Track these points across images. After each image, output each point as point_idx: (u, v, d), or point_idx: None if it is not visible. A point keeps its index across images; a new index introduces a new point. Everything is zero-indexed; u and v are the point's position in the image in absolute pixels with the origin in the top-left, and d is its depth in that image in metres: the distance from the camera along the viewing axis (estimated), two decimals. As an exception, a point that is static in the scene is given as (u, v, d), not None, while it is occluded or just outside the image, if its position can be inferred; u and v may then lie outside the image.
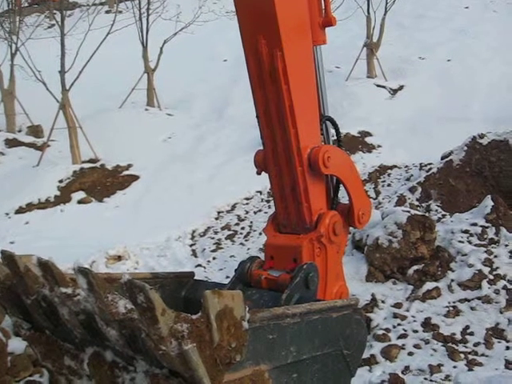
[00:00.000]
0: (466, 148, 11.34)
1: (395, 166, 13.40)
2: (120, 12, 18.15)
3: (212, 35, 23.15)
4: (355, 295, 6.23)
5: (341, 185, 3.45)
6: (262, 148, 3.35)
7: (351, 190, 3.40)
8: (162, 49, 18.76)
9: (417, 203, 10.44)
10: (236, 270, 3.26)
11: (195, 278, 3.45)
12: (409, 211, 7.62)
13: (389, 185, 12.35)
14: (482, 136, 11.51)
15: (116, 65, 19.75)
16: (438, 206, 10.52)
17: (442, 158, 11.58)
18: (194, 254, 10.69)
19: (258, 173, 3.40)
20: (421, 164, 12.92)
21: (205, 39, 22.59)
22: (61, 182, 13.77)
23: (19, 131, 17.16)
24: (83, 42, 14.83)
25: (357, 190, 3.46)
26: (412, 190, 10.84)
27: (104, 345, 2.55)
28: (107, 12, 24.42)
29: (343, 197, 3.64)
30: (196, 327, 2.11)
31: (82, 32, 15.28)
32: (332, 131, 3.58)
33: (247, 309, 2.29)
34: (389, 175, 13.00)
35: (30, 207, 12.81)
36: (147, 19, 18.72)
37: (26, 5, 24.47)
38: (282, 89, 2.97)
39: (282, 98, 2.98)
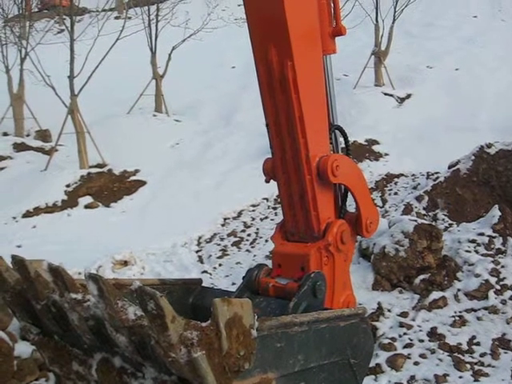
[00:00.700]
0: (473, 157, 11.32)
1: (402, 175, 13.38)
2: (129, 18, 18.28)
3: (220, 42, 23.24)
4: (362, 304, 6.22)
5: (348, 193, 3.46)
6: (269, 156, 3.37)
7: (359, 199, 3.41)
8: (170, 55, 18.84)
9: (423, 212, 10.42)
10: (244, 278, 3.27)
11: (203, 285, 3.46)
12: (416, 220, 7.61)
13: (395, 193, 12.34)
14: (489, 145, 11.49)
15: (124, 71, 19.84)
16: (445, 215, 10.50)
17: (449, 167, 11.56)
18: (200, 260, 10.70)
19: (267, 181, 3.41)
20: (428, 173, 12.91)
21: (213, 46, 22.67)
22: (68, 186, 13.81)
23: (27, 135, 17.25)
24: (92, 47, 14.90)
25: (365, 199, 3.47)
26: (419, 198, 10.82)
27: (113, 351, 2.56)
28: (116, 18, 24.51)
29: (350, 205, 3.66)
30: (205, 335, 2.12)
31: (91, 38, 15.35)
32: (340, 139, 3.59)
33: (256, 317, 2.30)
34: (396, 184, 12.98)
35: (37, 211, 12.86)
36: (156, 25, 18.81)
37: (36, 10, 24.57)
38: (291, 98, 2.98)
39: (292, 107, 3.00)
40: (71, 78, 14.65)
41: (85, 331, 2.56)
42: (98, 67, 14.95)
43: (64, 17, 17.31)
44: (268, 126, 3.21)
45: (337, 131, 3.52)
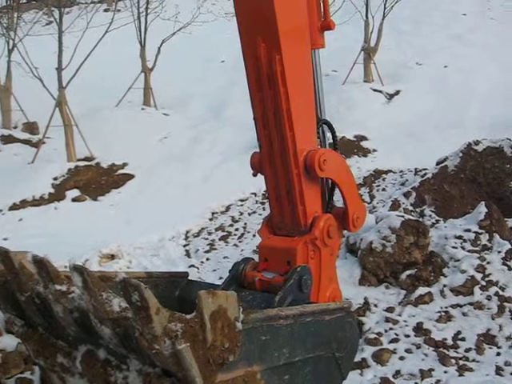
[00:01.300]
0: (461, 154, 11.36)
1: (390, 171, 13.42)
2: (118, 11, 18.19)
3: (210, 36, 23.16)
4: (348, 299, 6.24)
5: (336, 188, 3.46)
6: (257, 150, 3.36)
7: (346, 194, 3.41)
8: (159, 48, 18.74)
9: (411, 208, 10.46)
10: (230, 271, 3.27)
11: (189, 278, 3.45)
12: (403, 216, 7.64)
13: (383, 189, 12.38)
14: (477, 143, 11.54)
15: (113, 64, 19.74)
16: (432, 211, 10.54)
17: (437, 164, 11.60)
18: (188, 254, 10.68)
19: (254, 175, 3.41)
20: (416, 169, 12.96)
21: (203, 40, 22.60)
22: (55, 179, 13.74)
23: (15, 128, 17.11)
24: (81, 39, 14.81)
25: (352, 194, 3.48)
26: (406, 194, 10.85)
27: (97, 343, 2.55)
28: (105, 10, 24.38)
29: (338, 201, 3.66)
30: (190, 327, 2.11)
31: (80, 30, 15.27)
32: (328, 135, 3.59)
33: (241, 310, 2.30)
34: (383, 180, 13.03)
35: (23, 204, 12.78)
36: (146, 18, 18.70)
37: (24, 1, 24.34)
38: (279, 92, 2.98)
39: (280, 101, 2.99)
40: (59, 70, 14.55)
41: (69, 323, 2.55)
42: (86, 60, 14.86)
43: (52, 8, 17.14)
44: (256, 119, 3.20)
45: (325, 126, 3.52)
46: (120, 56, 19.82)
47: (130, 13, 18.87)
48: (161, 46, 18.76)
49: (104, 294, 2.32)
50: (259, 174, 3.47)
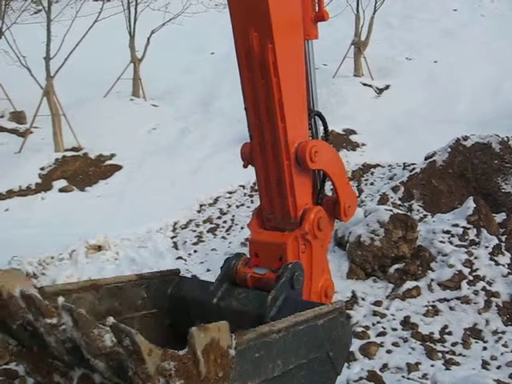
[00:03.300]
0: (449, 149, 11.39)
1: (379, 165, 13.43)
2: (108, 0, 18.01)
3: (200, 27, 23.03)
4: (336, 292, 6.23)
5: (327, 179, 3.44)
6: (248, 141, 3.32)
7: (337, 184, 3.39)
8: (149, 39, 18.61)
9: (399, 202, 10.48)
10: (222, 267, 3.23)
11: (181, 274, 3.42)
12: (391, 210, 7.65)
13: (372, 183, 12.39)
14: (465, 138, 11.57)
15: (102, 53, 19.59)
16: (420, 206, 10.56)
17: (426, 159, 11.62)
18: (175, 246, 10.64)
19: (245, 166, 3.37)
20: (404, 164, 12.98)
21: (193, 31, 22.47)
22: (42, 169, 13.63)
23: (1, 117, 16.94)
24: (70, 28, 14.67)
25: (343, 184, 3.46)
26: (395, 189, 10.87)
27: (92, 368, 2.52)
28: (95, 0, 24.18)
29: (328, 190, 3.63)
30: (183, 364, 2.09)
31: (68, 19, 15.13)
32: (320, 128, 3.56)
33: (233, 337, 2.26)
34: (372, 174, 13.04)
35: (10, 194, 12.67)
36: (135, 8, 18.55)
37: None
38: (271, 82, 2.94)
39: (272, 91, 2.96)
40: (47, 59, 14.40)
41: (62, 352, 2.51)
42: (75, 49, 14.72)
43: (41, -3, 16.95)
44: (247, 109, 3.16)
45: (317, 117, 3.49)
46: (109, 46, 19.67)
47: (120, 2, 18.73)
48: (150, 36, 18.63)
49: (95, 330, 2.28)
50: (249, 167, 3.43)
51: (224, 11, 22.29)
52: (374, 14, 19.12)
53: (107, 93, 18.12)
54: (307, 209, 3.20)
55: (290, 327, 2.50)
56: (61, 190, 13.26)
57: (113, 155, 14.70)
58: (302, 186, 3.18)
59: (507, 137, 11.69)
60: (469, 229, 7.58)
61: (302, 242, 3.18)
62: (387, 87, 18.05)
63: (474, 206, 7.77)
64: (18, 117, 16.74)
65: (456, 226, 7.67)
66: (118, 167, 14.35)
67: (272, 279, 3.00)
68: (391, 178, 12.43)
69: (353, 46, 18.94)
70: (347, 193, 3.49)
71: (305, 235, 3.16)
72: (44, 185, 13.21)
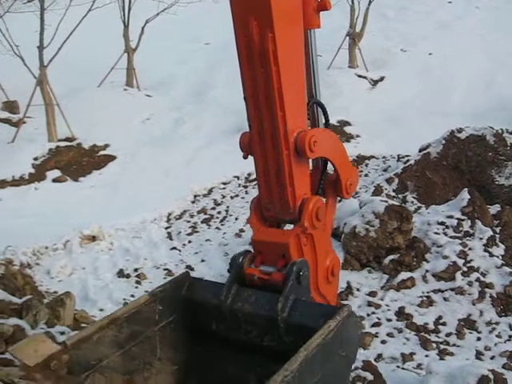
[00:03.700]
0: (443, 141, 11.44)
1: (373, 157, 13.46)
2: (102, -11, 17.85)
3: (195, 17, 22.91)
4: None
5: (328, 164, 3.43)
6: (247, 131, 3.30)
7: (338, 165, 3.39)
8: (143, 29, 18.50)
9: (393, 194, 10.52)
10: (230, 266, 3.23)
11: (192, 276, 3.42)
12: (386, 201, 7.67)
13: (366, 175, 12.41)
14: (460, 130, 11.62)
15: (96, 43, 19.44)
16: (414, 197, 10.62)
17: (420, 151, 11.66)
18: (170, 236, 10.64)
19: (245, 157, 3.33)
20: (398, 155, 13.01)
21: (188, 21, 22.34)
22: (36, 159, 13.58)
23: (-6, 106, 16.85)
24: (63, 17, 14.57)
25: (343, 163, 3.45)
26: (389, 180, 10.92)
27: None
28: (88, -11, 23.99)
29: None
30: None
31: (62, 7, 15.02)
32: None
33: None
34: (366, 165, 13.06)
35: (3, 184, 12.61)
36: (130, -2, 18.45)
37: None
38: (271, 71, 2.92)
39: (271, 80, 2.93)
40: (41, 48, 14.31)
41: None
42: (68, 38, 14.63)
43: (34, -15, 16.83)
44: (246, 99, 3.14)
45: (317, 107, 3.48)
46: (103, 35, 19.52)
47: (114, -8, 18.59)
48: (144, 26, 18.51)
49: None
50: (242, 157, 3.41)
51: (219, 1, 22.25)
52: (369, 5, 19.06)
53: (101, 83, 18.02)
54: (306, 199, 3.18)
55: (303, 361, 2.50)
56: (54, 181, 13.21)
57: (107, 145, 14.65)
58: (301, 176, 3.17)
59: (501, 129, 11.75)
60: (463, 220, 7.60)
61: (303, 236, 3.18)
62: (382, 79, 18.04)
63: (469, 197, 7.79)
64: (10, 106, 16.63)
65: (451, 217, 7.69)
66: (111, 157, 14.30)
67: (279, 280, 3.03)
68: (385, 170, 12.47)
69: (348, 38, 18.89)
70: (348, 170, 3.48)
71: (305, 231, 3.16)
72: (37, 175, 13.16)
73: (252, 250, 3.29)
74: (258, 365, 3.07)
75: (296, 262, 3.02)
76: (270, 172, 3.15)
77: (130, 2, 18.36)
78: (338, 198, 3.61)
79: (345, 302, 6.48)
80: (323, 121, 3.53)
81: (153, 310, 3.07)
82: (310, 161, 3.28)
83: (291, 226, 3.25)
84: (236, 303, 3.05)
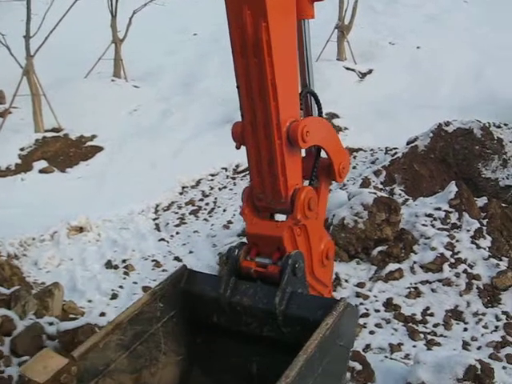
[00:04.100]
0: (431, 134, 11.50)
1: (361, 149, 13.49)
2: (89, -21, 17.69)
3: (183, 8, 22.78)
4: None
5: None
6: (239, 120, 3.29)
7: (330, 151, 3.39)
8: (131, 19, 18.35)
9: (381, 186, 10.57)
10: (227, 259, 3.24)
11: (189, 268, 3.44)
12: (375, 193, 7.70)
13: (354, 167, 12.43)
14: (447, 124, 11.68)
15: (83, 33, 19.27)
16: (402, 190, 10.67)
17: (408, 144, 11.71)
18: (157, 228, 10.62)
19: (237, 147, 3.32)
20: (386, 148, 13.05)
21: (176, 12, 22.21)
22: (22, 150, 13.47)
23: (-20, 97, 16.65)
24: (50, 7, 14.43)
25: (335, 148, 3.45)
26: (377, 173, 10.96)
27: None
28: (75, -22, 23.76)
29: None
30: None
31: (49, -3, 14.86)
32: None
33: None
34: (354, 158, 13.09)
35: (-11, 175, 12.52)
36: (117, -12, 18.29)
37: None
38: (264, 61, 2.91)
39: (264, 70, 2.92)
40: (27, 37, 14.16)
41: None
42: (55, 28, 14.50)
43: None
44: (239, 88, 3.13)
45: (311, 97, 3.48)
46: (90, 25, 19.34)
47: (101, -19, 18.41)
48: (132, 16, 18.37)
49: None
50: (231, 149, 3.41)
51: (207, -8, 22.12)
52: (357, -2, 19.06)
53: (88, 73, 17.87)
54: (297, 189, 3.19)
55: (302, 366, 2.52)
56: (41, 171, 13.11)
57: (94, 136, 14.56)
58: (293, 166, 3.17)
59: (488, 123, 11.83)
60: (451, 212, 7.65)
61: (296, 227, 3.20)
62: (370, 72, 18.06)
63: (456, 190, 7.84)
64: (-4, 96, 16.46)
65: (438, 209, 7.74)
66: (99, 148, 14.22)
67: (275, 273, 3.05)
68: (373, 162, 12.51)
69: (336, 30, 18.87)
70: (340, 154, 3.49)
71: (297, 223, 3.18)
72: (24, 166, 13.06)
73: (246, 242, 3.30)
74: (258, 354, 3.12)
75: (291, 255, 3.03)
76: (263, 162, 3.15)
77: (117, -9, 18.22)
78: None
79: (333, 294, 6.51)
80: (316, 110, 3.53)
81: (154, 308, 3.12)
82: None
83: (283, 216, 3.27)
84: (234, 296, 3.07)
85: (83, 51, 17.93)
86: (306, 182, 3.32)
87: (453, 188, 7.92)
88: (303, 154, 3.33)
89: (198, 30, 21.64)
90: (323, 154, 3.44)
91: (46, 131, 14.31)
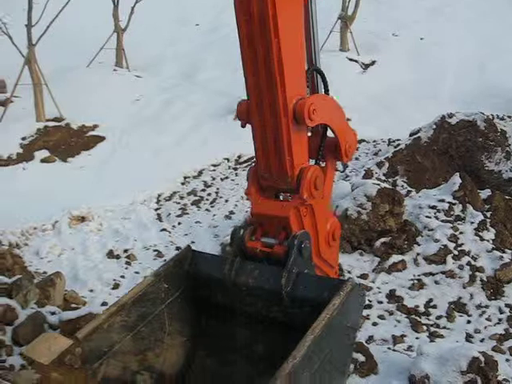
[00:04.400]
0: (434, 126, 11.43)
1: (363, 141, 13.42)
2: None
3: (185, -2, 22.68)
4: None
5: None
6: (244, 99, 3.22)
7: (337, 131, 3.34)
8: (133, 8, 18.26)
9: (383, 178, 10.52)
10: (231, 240, 3.20)
11: (193, 249, 3.40)
12: (379, 184, 7.65)
13: (356, 158, 12.39)
14: (450, 115, 11.61)
15: (85, 22, 19.17)
16: (404, 181, 10.62)
17: (411, 135, 11.65)
18: (159, 218, 10.60)
19: (243, 125, 3.26)
20: (389, 140, 12.99)
21: (178, 1, 22.10)
22: (24, 139, 13.43)
23: (-19, 86, 16.58)
24: (52, -5, 14.35)
25: (342, 127, 3.41)
26: (379, 164, 10.91)
27: None
28: (77, -33, 23.61)
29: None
30: None
31: (51, -15, 14.76)
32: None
33: None
34: (357, 149, 12.94)
35: (-10, 164, 12.48)
36: (119, -24, 18.18)
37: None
38: (271, 38, 2.85)
39: (271, 48, 2.86)
40: (29, 26, 14.10)
41: None
42: (57, 17, 14.42)
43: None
44: (244, 66, 3.05)
45: (317, 74, 3.42)
46: (92, 14, 19.24)
47: (104, -30, 18.30)
48: (134, 5, 18.27)
49: None
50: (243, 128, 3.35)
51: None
52: (361, -13, 18.93)
53: (90, 62, 17.79)
54: (304, 168, 3.13)
55: (310, 346, 2.49)
56: (43, 161, 13.06)
57: (96, 126, 14.50)
58: (299, 145, 3.11)
59: (492, 115, 11.76)
60: (454, 204, 7.61)
61: (303, 207, 3.15)
62: (373, 63, 17.96)
63: (460, 182, 7.80)
64: (-2, 85, 16.39)
65: (442, 201, 7.70)
66: (101, 138, 14.17)
67: (281, 253, 3.01)
68: (376, 154, 12.45)
69: (339, 21, 18.77)
70: (346, 133, 3.44)
71: (304, 203, 3.12)
72: (25, 155, 13.02)
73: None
74: (263, 335, 3.10)
75: (297, 235, 2.99)
76: (268, 141, 3.08)
77: (120, -20, 18.11)
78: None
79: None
80: (323, 89, 3.48)
81: (158, 290, 3.10)
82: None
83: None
84: (240, 277, 3.05)
85: (85, 40, 17.84)
86: (312, 162, 3.28)
87: (456, 180, 7.88)
88: (309, 134, 3.29)
89: (200, 21, 21.52)
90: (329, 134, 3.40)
91: (48, 120, 14.26)
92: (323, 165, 3.39)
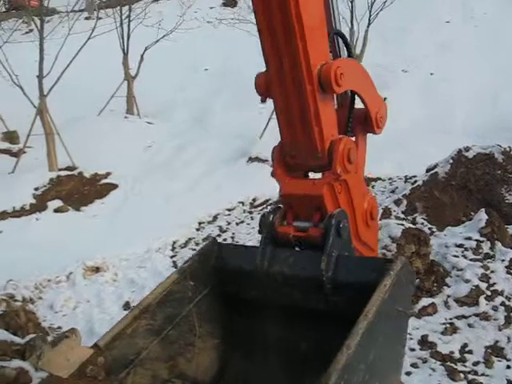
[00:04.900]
0: (451, 161, 11.23)
1: (379, 179, 13.23)
2: (100, 18, 17.80)
3: (194, 44, 22.86)
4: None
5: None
6: (261, 71, 2.98)
7: (366, 97, 3.10)
8: (142, 56, 18.43)
9: (402, 216, 10.28)
10: (260, 226, 2.94)
11: (218, 241, 3.17)
12: (402, 224, 7.40)
13: (373, 197, 12.14)
14: (467, 149, 11.41)
15: (95, 71, 19.34)
16: (424, 218, 10.37)
17: (428, 171, 11.45)
18: (175, 265, 10.35)
19: (263, 100, 3.00)
20: (406, 176, 12.79)
21: (187, 47, 22.30)
22: (37, 189, 13.35)
23: (-6, 137, 16.68)
24: (62, 46, 14.47)
25: (371, 94, 3.17)
26: (397, 202, 10.69)
27: None
28: (86, 18, 23.98)
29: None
30: None
31: (61, 37, 14.91)
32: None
33: None
34: (373, 187, 12.82)
35: (3, 215, 12.38)
36: (128, 25, 18.40)
37: (4, 10, 23.90)
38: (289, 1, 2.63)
39: (289, 8, 2.64)
40: (40, 77, 14.19)
41: None
42: (68, 67, 14.52)
43: (33, 17, 16.76)
44: (260, 33, 2.82)
45: (338, 38, 3.21)
46: (102, 64, 19.42)
47: (113, 19, 18.53)
48: (144, 53, 18.45)
49: None
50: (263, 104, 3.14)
51: (218, 26, 22.20)
52: (368, 26, 18.97)
53: (101, 111, 17.89)
54: (334, 140, 2.87)
55: (364, 333, 2.21)
56: (56, 211, 12.95)
57: (108, 174, 14.43)
58: (327, 115, 2.83)
59: (509, 147, 11.54)
60: (482, 242, 7.33)
61: (337, 183, 2.88)
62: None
63: (487, 217, 7.53)
64: (10, 137, 16.49)
65: (469, 239, 7.42)
66: (113, 186, 14.08)
67: (317, 236, 2.74)
68: (393, 192, 12.23)
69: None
70: (377, 101, 3.20)
71: (338, 178, 2.85)
72: (38, 205, 12.92)
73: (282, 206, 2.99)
74: (305, 329, 2.83)
75: (334, 214, 2.73)
76: (293, 113, 2.81)
77: (129, 29, 18.33)
78: None
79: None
80: (346, 53, 3.26)
81: (184, 288, 2.89)
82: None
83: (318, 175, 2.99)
84: (273, 266, 2.79)
85: (96, 89, 17.97)
86: None
87: (482, 216, 7.61)
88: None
89: (209, 65, 21.67)
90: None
91: (60, 170, 14.22)
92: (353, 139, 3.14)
